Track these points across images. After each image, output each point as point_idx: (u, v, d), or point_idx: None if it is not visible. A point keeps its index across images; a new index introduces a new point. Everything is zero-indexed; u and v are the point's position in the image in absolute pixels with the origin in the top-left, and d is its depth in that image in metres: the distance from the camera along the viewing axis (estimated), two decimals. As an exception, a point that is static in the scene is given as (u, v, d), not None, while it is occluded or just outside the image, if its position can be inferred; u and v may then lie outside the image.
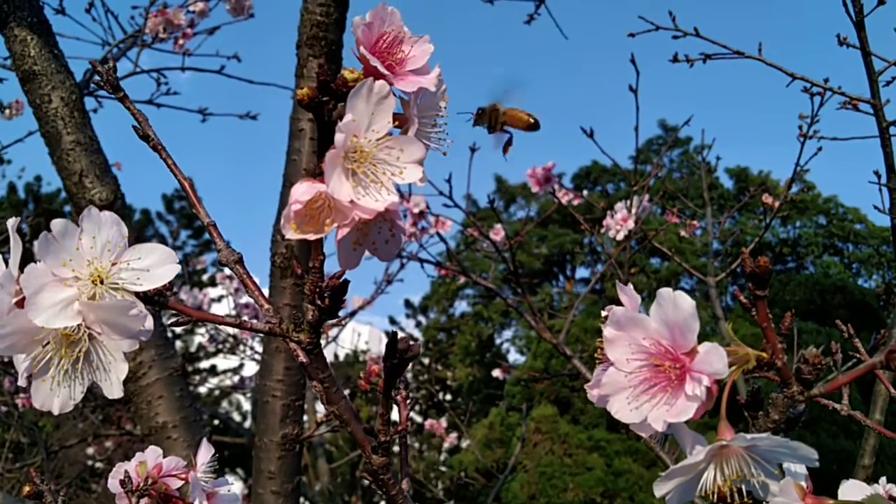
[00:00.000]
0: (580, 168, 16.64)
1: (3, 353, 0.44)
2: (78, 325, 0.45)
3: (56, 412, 0.47)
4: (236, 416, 10.49)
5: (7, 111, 3.49)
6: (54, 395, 0.47)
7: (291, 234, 0.45)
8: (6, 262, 0.47)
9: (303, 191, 0.44)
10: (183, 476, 0.80)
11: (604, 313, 0.47)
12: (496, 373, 9.12)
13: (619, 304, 0.48)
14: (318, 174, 0.48)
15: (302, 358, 0.57)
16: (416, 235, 2.97)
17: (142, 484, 0.76)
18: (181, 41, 2.89)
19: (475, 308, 15.93)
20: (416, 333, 15.64)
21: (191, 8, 2.93)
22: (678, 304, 0.43)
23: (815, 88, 2.15)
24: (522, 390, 10.94)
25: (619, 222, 2.39)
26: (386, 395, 0.55)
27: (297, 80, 1.51)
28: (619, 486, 10.25)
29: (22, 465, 3.45)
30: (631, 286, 0.47)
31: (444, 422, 4.97)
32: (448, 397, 15.36)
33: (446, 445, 5.31)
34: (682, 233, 3.34)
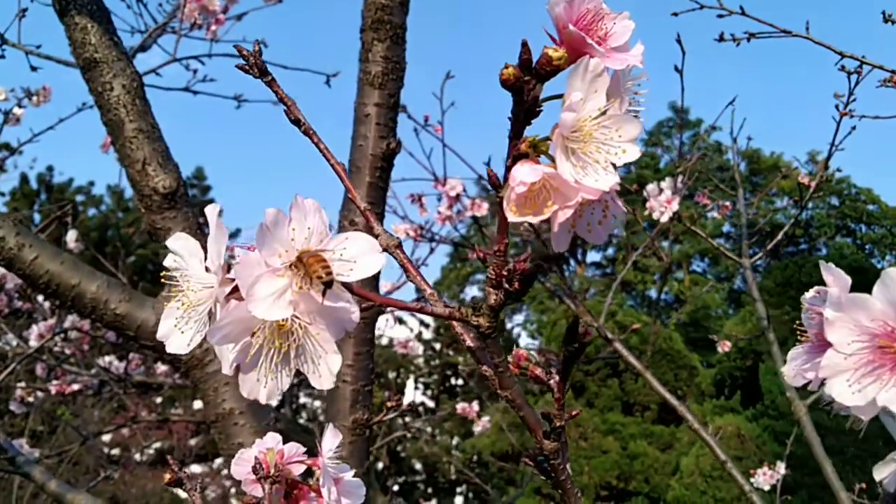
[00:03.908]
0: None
1: (218, 343, 0.43)
2: (290, 316, 0.44)
3: (263, 401, 0.47)
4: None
5: (35, 98, 3.49)
6: (261, 385, 0.46)
7: (512, 217, 0.44)
8: (205, 249, 0.46)
9: (526, 172, 0.43)
10: (309, 462, 0.80)
11: (810, 294, 0.47)
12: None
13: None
14: (516, 157, 0.47)
15: (469, 343, 0.57)
16: (452, 218, 2.96)
17: (272, 471, 0.76)
18: (213, 27, 2.88)
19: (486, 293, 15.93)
20: (427, 319, 15.66)
21: (223, -7, 2.91)
22: (906, 285, 0.42)
23: (850, 66, 2.13)
24: (537, 374, 10.96)
25: (664, 204, 2.38)
26: (563, 379, 0.55)
27: (361, 63, 1.50)
28: (634, 468, 10.29)
29: (59, 451, 3.47)
30: (832, 265, 0.47)
31: (475, 405, 4.97)
32: (460, 382, 15.41)
33: (478, 429, 5.29)
34: (716, 214, 3.32)
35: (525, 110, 0.47)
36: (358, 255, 0.45)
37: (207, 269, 0.46)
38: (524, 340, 15.88)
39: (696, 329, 13.54)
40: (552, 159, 0.46)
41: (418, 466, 14.04)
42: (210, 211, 0.46)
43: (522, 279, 0.49)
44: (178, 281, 0.48)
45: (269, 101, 2.92)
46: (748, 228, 3.29)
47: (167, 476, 0.71)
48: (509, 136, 0.48)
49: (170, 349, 0.49)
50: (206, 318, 0.46)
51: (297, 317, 0.44)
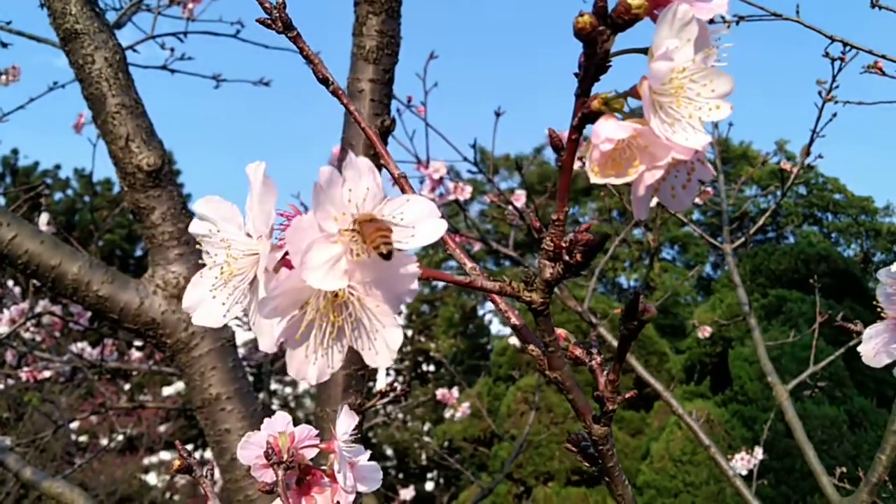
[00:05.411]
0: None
1: (267, 316, 0.39)
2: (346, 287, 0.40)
3: (313, 382, 0.42)
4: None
5: (4, 77, 3.37)
6: (309, 363, 0.42)
7: (594, 178, 0.40)
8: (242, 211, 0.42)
9: (613, 128, 0.39)
10: (323, 446, 0.76)
11: (895, 268, 0.44)
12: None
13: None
14: (585, 116, 0.43)
15: (514, 320, 0.53)
16: (435, 202, 2.91)
17: (285, 456, 0.72)
18: (190, 5, 2.80)
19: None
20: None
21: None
22: None
23: (834, 53, 2.13)
24: (509, 360, 10.97)
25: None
26: (619, 360, 0.51)
27: (355, 38, 1.45)
28: (605, 453, 10.34)
29: (30, 438, 3.39)
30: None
31: (455, 391, 4.95)
32: (432, 368, 15.42)
33: (458, 415, 5.30)
34: (697, 199, 3.32)
35: (595, 64, 0.43)
36: (417, 221, 0.41)
37: (249, 235, 0.42)
38: (496, 327, 15.87)
39: (666, 316, 13.65)
40: (627, 117, 0.42)
41: (389, 452, 14.03)
42: (254, 169, 0.41)
43: (585, 250, 0.46)
44: (208, 248, 0.43)
45: (248, 80, 2.84)
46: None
47: (176, 463, 0.66)
48: (576, 94, 0.44)
49: (198, 321, 0.44)
50: (247, 289, 0.42)
51: (352, 287, 0.40)
